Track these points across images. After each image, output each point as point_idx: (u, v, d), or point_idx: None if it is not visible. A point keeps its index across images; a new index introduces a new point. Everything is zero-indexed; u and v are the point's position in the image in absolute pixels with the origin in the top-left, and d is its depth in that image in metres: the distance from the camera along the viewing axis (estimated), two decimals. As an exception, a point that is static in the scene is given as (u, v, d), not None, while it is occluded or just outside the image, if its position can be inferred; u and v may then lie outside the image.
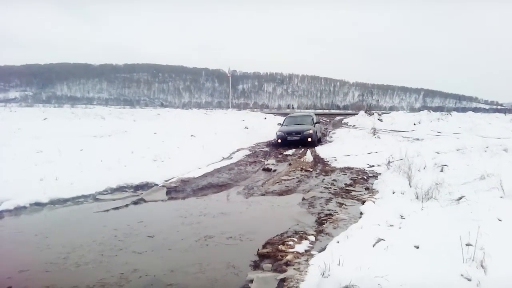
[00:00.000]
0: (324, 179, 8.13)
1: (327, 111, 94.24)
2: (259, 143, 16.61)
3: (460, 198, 4.82)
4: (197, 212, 5.59)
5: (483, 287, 2.65)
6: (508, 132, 17.34)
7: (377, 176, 8.01)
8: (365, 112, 38.23)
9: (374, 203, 5.62)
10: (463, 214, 4.11)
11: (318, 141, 15.72)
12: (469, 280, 2.71)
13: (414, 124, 25.88)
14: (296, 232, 4.52)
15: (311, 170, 9.32)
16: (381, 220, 4.48)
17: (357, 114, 39.54)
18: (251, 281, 3.20)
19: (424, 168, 7.29)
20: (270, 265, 3.55)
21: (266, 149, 14.48)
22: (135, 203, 6.23)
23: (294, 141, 14.86)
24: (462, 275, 2.76)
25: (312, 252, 3.84)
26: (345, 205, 5.88)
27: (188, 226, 4.94)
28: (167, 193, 6.93)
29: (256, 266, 3.58)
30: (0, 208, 5.59)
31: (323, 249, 3.80)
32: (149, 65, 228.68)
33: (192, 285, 3.26)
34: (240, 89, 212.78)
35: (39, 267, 3.64)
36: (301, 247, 3.97)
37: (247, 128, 21.42)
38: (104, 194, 6.70)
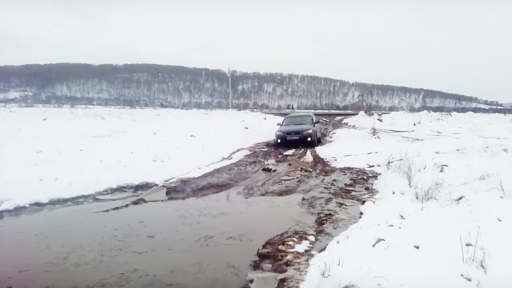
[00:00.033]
0: (324, 179, 8.13)
1: (327, 111, 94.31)
2: (259, 143, 16.61)
3: (460, 198, 4.82)
4: (197, 212, 5.59)
5: (483, 287, 2.65)
6: (508, 132, 17.35)
7: (377, 176, 8.02)
8: (365, 112, 38.25)
9: (374, 203, 5.62)
10: (463, 214, 4.11)
11: (318, 141, 15.72)
12: (469, 280, 2.71)
13: (414, 124, 25.90)
14: (296, 232, 4.52)
15: (311, 170, 9.32)
16: (381, 220, 4.48)
17: (357, 114, 39.56)
18: (251, 281, 3.20)
19: (424, 168, 7.29)
20: (270, 265, 3.55)
21: (266, 149, 14.48)
22: (135, 203, 6.23)
23: (293, 141, 14.85)
24: (462, 275, 2.76)
25: (312, 252, 3.84)
26: (345, 205, 5.88)
27: (188, 226, 4.94)
28: (167, 193, 6.93)
29: (256, 266, 3.58)
30: (0, 208, 5.59)
31: (323, 249, 3.80)
32: (149, 65, 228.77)
33: (192, 285, 3.26)
34: (240, 89, 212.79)
35: (39, 267, 3.64)
36: (301, 247, 3.97)
37: (247, 128, 21.43)
38: (104, 194, 6.70)
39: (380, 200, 5.76)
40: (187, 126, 20.80)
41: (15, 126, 17.83)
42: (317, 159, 11.26)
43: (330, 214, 5.30)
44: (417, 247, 3.39)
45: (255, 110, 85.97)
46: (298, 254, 3.77)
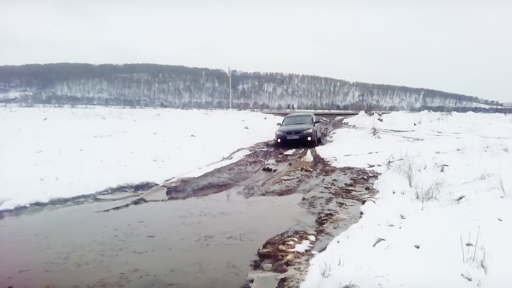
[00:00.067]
0: (324, 179, 8.13)
1: (327, 111, 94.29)
2: (259, 143, 16.61)
3: (460, 198, 4.82)
4: (197, 212, 5.59)
5: (483, 287, 2.65)
6: (508, 132, 17.33)
7: (377, 176, 8.01)
8: (365, 112, 38.24)
9: (374, 203, 5.62)
10: (464, 214, 4.11)
11: (318, 141, 15.70)
12: (470, 280, 2.71)
13: (414, 124, 25.89)
14: (296, 232, 4.52)
15: (311, 170, 9.32)
16: (381, 220, 4.48)
17: (357, 114, 39.56)
18: (252, 281, 3.20)
19: (424, 168, 7.29)
20: (271, 265, 3.55)
21: (266, 149, 14.49)
22: (136, 203, 6.23)
23: (293, 140, 14.82)
24: (462, 275, 2.76)
25: (313, 252, 3.83)
26: (346, 205, 5.88)
27: (189, 226, 4.94)
28: (168, 193, 6.94)
29: (256, 266, 3.58)
30: (0, 208, 5.60)
31: (323, 249, 3.80)
32: (149, 65, 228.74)
33: (192, 285, 3.26)
34: (240, 89, 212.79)
35: (39, 267, 3.64)
36: (302, 247, 3.97)
37: (247, 128, 21.43)
38: (104, 194, 6.71)
39: (381, 200, 5.76)
40: (187, 126, 20.82)
41: (16, 126, 17.85)
42: (318, 159, 11.26)
43: (330, 214, 5.30)
44: (418, 247, 3.39)
45: (255, 110, 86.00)
46: (298, 254, 3.77)
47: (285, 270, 3.37)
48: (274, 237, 4.34)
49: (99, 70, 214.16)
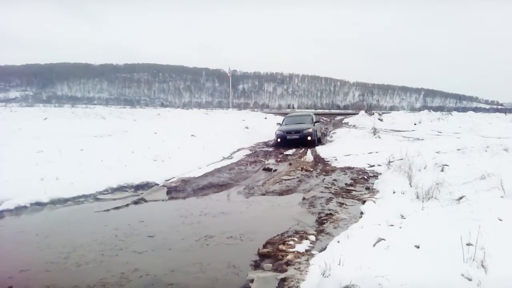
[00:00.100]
0: (324, 178, 8.13)
1: (327, 111, 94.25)
2: (259, 143, 16.62)
3: (461, 198, 4.81)
4: (197, 212, 5.60)
5: (483, 287, 2.65)
6: (509, 132, 17.33)
7: (377, 176, 8.01)
8: (366, 112, 38.28)
9: (374, 203, 5.62)
10: (464, 214, 4.11)
11: (318, 141, 15.69)
12: (470, 280, 2.71)
13: (415, 124, 25.90)
14: (296, 232, 4.52)
15: (311, 169, 9.33)
16: (381, 220, 4.48)
17: (357, 114, 39.59)
18: (252, 280, 3.21)
19: (425, 168, 7.29)
20: (271, 264, 3.55)
21: (266, 149, 14.49)
22: (136, 202, 6.23)
23: (293, 140, 14.81)
24: (462, 274, 2.76)
25: (313, 252, 3.84)
26: (346, 204, 5.88)
27: (189, 225, 4.94)
28: (168, 192, 6.94)
29: (256, 266, 3.58)
30: (0, 208, 5.60)
31: (323, 249, 3.80)
32: (150, 65, 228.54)
33: (192, 285, 3.26)
34: (241, 89, 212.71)
35: (39, 267, 3.65)
36: (302, 246, 3.98)
37: (247, 128, 21.44)
38: (105, 194, 6.71)
39: (381, 200, 5.76)
40: (187, 126, 20.81)
41: (16, 125, 17.86)
42: (318, 159, 11.26)
43: (330, 214, 5.30)
44: (418, 247, 3.39)
45: (255, 109, 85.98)
46: (298, 254, 3.77)
47: (285, 270, 3.37)
48: (274, 237, 4.34)
49: (99, 70, 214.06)
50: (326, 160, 10.99)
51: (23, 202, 5.82)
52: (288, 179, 8.07)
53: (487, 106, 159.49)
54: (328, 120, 41.11)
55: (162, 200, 6.48)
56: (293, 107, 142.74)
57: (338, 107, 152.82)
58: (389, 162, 8.26)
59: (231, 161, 11.01)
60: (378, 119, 29.41)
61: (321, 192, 6.81)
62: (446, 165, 7.17)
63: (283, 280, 3.19)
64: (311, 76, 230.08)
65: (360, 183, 7.60)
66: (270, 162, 10.71)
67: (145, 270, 3.51)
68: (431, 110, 40.63)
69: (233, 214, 5.56)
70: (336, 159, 10.85)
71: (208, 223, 5.03)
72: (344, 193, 6.68)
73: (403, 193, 5.76)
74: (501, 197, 4.68)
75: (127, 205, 6.06)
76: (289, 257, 3.65)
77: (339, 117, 46.62)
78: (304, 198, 6.35)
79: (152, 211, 5.93)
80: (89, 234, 4.60)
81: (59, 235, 4.63)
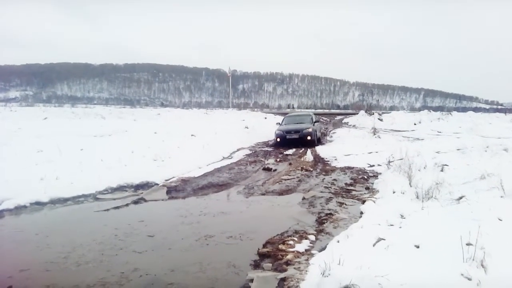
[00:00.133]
0: (324, 178, 8.13)
1: (327, 110, 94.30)
2: (259, 142, 16.62)
3: (461, 197, 4.81)
4: (197, 212, 5.60)
5: (483, 286, 2.65)
6: (509, 132, 17.34)
7: (377, 176, 8.01)
8: (366, 111, 38.29)
9: (374, 202, 5.62)
10: (464, 214, 4.11)
11: (318, 141, 15.68)
12: (470, 279, 2.71)
13: (415, 124, 25.92)
14: (296, 232, 4.52)
15: (311, 169, 9.33)
16: (381, 220, 4.48)
17: (357, 113, 39.61)
18: (252, 280, 3.21)
19: (425, 167, 7.29)
20: (271, 264, 3.55)
21: (266, 148, 14.49)
22: (136, 202, 6.23)
23: (293, 139, 14.79)
24: (462, 274, 2.76)
25: (313, 252, 3.84)
26: (346, 204, 5.88)
27: (188, 225, 4.94)
28: (168, 192, 6.94)
29: (256, 266, 3.58)
30: (0, 208, 5.60)
31: (323, 249, 3.80)
32: (149, 64, 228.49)
33: (192, 285, 3.26)
34: (240, 89, 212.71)
35: (39, 266, 3.64)
36: (302, 246, 3.97)
37: (247, 128, 21.44)
38: (105, 194, 6.71)
39: (381, 200, 5.76)
40: (187, 126, 20.80)
41: (16, 125, 17.84)
42: (318, 159, 11.26)
43: (330, 214, 5.30)
44: (418, 247, 3.39)
45: (255, 109, 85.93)
46: (298, 254, 3.77)
47: (285, 270, 3.37)
48: (274, 236, 4.34)
49: (99, 69, 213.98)
50: (326, 160, 10.99)
51: (23, 201, 5.82)
52: (288, 179, 8.07)
53: (487, 106, 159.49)
54: (328, 120, 41.12)
55: (162, 200, 6.48)
56: (293, 107, 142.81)
57: (338, 107, 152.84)
58: (389, 162, 8.26)
59: (231, 161, 11.01)
60: (378, 119, 29.42)
61: (321, 192, 6.81)
62: (446, 165, 7.17)
63: (283, 279, 3.19)
64: (311, 76, 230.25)
65: (360, 183, 7.60)
66: (270, 162, 10.71)
67: (145, 269, 3.51)
68: (431, 110, 40.67)
69: (233, 213, 5.56)
70: (336, 159, 10.85)
71: (208, 223, 5.03)
72: (344, 193, 6.68)
73: (403, 193, 5.76)
74: (501, 197, 4.68)
75: (127, 204, 6.06)
76: (289, 256, 3.65)
77: (339, 117, 46.65)
78: (304, 198, 6.34)
79: (152, 210, 5.93)
80: (89, 233, 4.60)
81: (59, 234, 4.63)
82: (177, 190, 7.15)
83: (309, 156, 11.71)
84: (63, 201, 6.15)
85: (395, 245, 3.46)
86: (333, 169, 9.30)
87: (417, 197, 5.29)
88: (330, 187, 7.17)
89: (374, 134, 16.50)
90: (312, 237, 4.30)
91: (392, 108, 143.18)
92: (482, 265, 2.83)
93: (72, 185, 6.71)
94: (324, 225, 4.81)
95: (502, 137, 13.19)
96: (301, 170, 9.16)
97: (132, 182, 7.35)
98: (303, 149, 13.84)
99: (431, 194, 5.17)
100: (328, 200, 6.18)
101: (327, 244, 3.94)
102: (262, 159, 11.29)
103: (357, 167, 9.36)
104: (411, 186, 5.99)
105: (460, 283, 2.71)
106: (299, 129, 15.17)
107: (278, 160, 11.15)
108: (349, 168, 9.37)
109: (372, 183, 7.36)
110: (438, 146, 10.50)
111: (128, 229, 4.76)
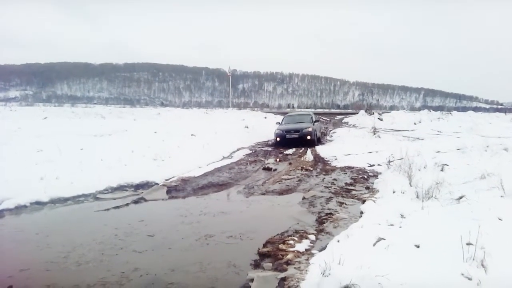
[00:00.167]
0: (324, 178, 8.13)
1: (327, 110, 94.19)
2: (259, 142, 16.62)
3: (461, 197, 4.81)
4: (197, 211, 5.60)
5: (483, 286, 2.65)
6: (509, 131, 17.34)
7: (377, 176, 8.01)
8: (366, 111, 38.25)
9: (374, 202, 5.62)
10: (464, 214, 4.11)
11: (317, 140, 15.67)
12: (470, 279, 2.71)
13: (415, 124, 25.92)
14: (296, 231, 4.53)
15: (311, 169, 9.32)
16: (381, 219, 4.48)
17: (357, 113, 39.55)
18: (252, 280, 3.21)
19: (425, 167, 7.29)
20: (271, 264, 3.55)
21: (266, 148, 14.49)
22: (136, 202, 6.23)
23: (293, 139, 14.76)
24: (462, 274, 2.76)
25: (313, 251, 3.84)
26: (346, 204, 5.88)
27: (189, 225, 4.94)
28: (168, 192, 6.94)
29: (256, 265, 3.58)
30: (0, 207, 5.60)
31: (323, 248, 3.80)
32: (149, 64, 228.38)
33: (192, 284, 3.26)
34: (240, 89, 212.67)
35: (39, 266, 3.65)
36: (302, 246, 3.97)
37: (247, 128, 21.43)
38: (105, 193, 6.71)
39: (381, 199, 5.76)
40: (187, 125, 20.80)
41: (16, 125, 17.82)
42: (318, 158, 11.26)
43: (330, 213, 5.30)
44: (418, 246, 3.39)
45: (255, 109, 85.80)
46: (298, 253, 3.77)
47: (285, 269, 3.37)
48: (274, 236, 4.34)
49: (99, 69, 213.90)
50: (326, 159, 10.99)
51: (23, 201, 5.82)
52: (288, 179, 8.07)
53: (487, 106, 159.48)
54: (328, 119, 41.10)
55: (162, 200, 6.48)
56: (293, 107, 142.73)
57: (338, 107, 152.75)
58: (389, 161, 8.26)
59: (231, 160, 11.01)
60: (378, 118, 29.40)
61: (321, 191, 6.81)
62: (446, 164, 7.18)
63: (283, 279, 3.19)
64: (311, 76, 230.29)
65: (360, 182, 7.60)
66: (270, 161, 10.71)
67: (145, 269, 3.51)
68: (431, 110, 40.64)
69: (233, 213, 5.56)
70: (336, 159, 10.85)
71: (208, 223, 5.03)
72: (344, 193, 6.68)
73: (403, 193, 5.76)
74: (501, 196, 4.68)
75: (127, 204, 6.06)
76: (289, 256, 3.65)
77: (339, 117, 46.62)
78: (304, 198, 6.34)
79: (152, 210, 5.93)
80: (89, 233, 4.60)
81: (59, 234, 4.63)
82: (177, 189, 7.15)
83: (309, 156, 11.71)
84: (63, 200, 6.15)
85: (395, 244, 3.46)
86: (333, 169, 9.30)
87: (417, 197, 5.29)
88: (330, 187, 7.17)
89: (374, 133, 16.51)
90: (312, 237, 4.30)
91: (392, 108, 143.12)
92: (482, 265, 2.83)
93: (72, 185, 6.71)
94: (324, 224, 4.81)
95: (502, 137, 13.19)
96: (301, 169, 9.16)
97: (132, 182, 7.35)
98: (303, 148, 13.84)
99: (431, 194, 5.17)
100: (328, 199, 6.18)
101: (327, 243, 3.94)
102: (262, 159, 11.29)
103: (357, 167, 9.36)
104: (411, 186, 5.99)
105: (460, 283, 2.71)
106: (299, 128, 15.15)
107: (278, 159, 11.15)
108: (349, 167, 9.37)
109: (372, 183, 7.36)
110: (438, 146, 10.50)
111: (128, 228, 4.76)
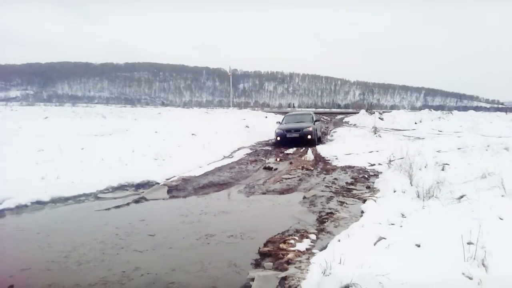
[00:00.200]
0: (325, 177, 8.12)
1: (328, 110, 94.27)
2: (260, 142, 16.61)
3: (461, 196, 4.81)
4: (198, 211, 5.60)
5: (484, 285, 2.65)
6: (509, 130, 17.33)
7: (378, 175, 8.01)
8: (366, 111, 38.26)
9: (375, 201, 5.62)
10: (464, 213, 4.11)
11: (318, 140, 15.66)
12: (471, 278, 2.70)
13: (415, 123, 25.91)
14: (297, 231, 4.53)
15: (312, 168, 9.32)
16: (382, 219, 4.48)
17: (358, 113, 39.55)
18: (253, 279, 3.21)
19: (425, 166, 7.29)
20: (271, 263, 3.55)
21: (267, 148, 14.48)
22: (136, 201, 6.24)
23: (293, 138, 14.74)
24: (463, 273, 2.76)
25: (313, 251, 3.84)
26: (346, 203, 5.88)
27: (189, 224, 4.94)
28: (168, 191, 6.94)
29: (257, 265, 3.58)
30: (1, 207, 5.60)
31: (324, 248, 3.80)
32: (150, 64, 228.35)
33: (193, 284, 3.26)
34: (241, 88, 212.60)
35: (40, 266, 3.65)
36: (302, 245, 3.98)
37: (248, 127, 21.43)
38: (105, 193, 6.71)
39: (381, 199, 5.76)
40: (188, 125, 20.80)
41: (17, 124, 17.83)
42: (318, 158, 11.25)
43: (331, 213, 5.30)
44: (419, 246, 3.38)
45: (256, 108, 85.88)
46: (299, 253, 3.77)
47: (286, 269, 3.37)
48: (275, 235, 4.34)
49: (99, 69, 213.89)
50: (326, 159, 10.98)
51: (24, 201, 5.83)
52: (289, 178, 8.07)
53: (488, 105, 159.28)
54: (329, 119, 41.07)
55: (163, 199, 6.49)
56: (294, 106, 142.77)
57: (339, 106, 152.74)
58: (390, 161, 8.25)
59: (232, 160, 11.01)
60: (379, 118, 29.38)
61: (322, 191, 6.81)
62: (446, 164, 7.17)
63: (284, 278, 3.19)
64: (311, 75, 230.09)
65: (360, 182, 7.59)
66: (271, 161, 10.71)
67: (146, 268, 3.51)
68: (432, 109, 40.65)
69: (233, 213, 5.56)
70: (336, 158, 10.85)
71: (208, 222, 5.03)
72: (344, 192, 6.68)
73: (404, 192, 5.76)
74: (502, 196, 4.68)
75: (127, 204, 6.07)
76: (290, 256, 3.65)
77: (339, 116, 46.57)
78: (304, 197, 6.34)
79: (152, 210, 5.93)
80: (89, 233, 4.60)
81: (60, 234, 4.64)
82: (178, 189, 7.15)
83: (309, 155, 11.69)
84: (64, 200, 6.16)
85: (396, 244, 3.46)
86: (334, 168, 9.29)
87: (418, 196, 5.29)
88: (331, 186, 7.17)
89: (375, 133, 16.50)
90: (313, 236, 4.30)
91: (392, 107, 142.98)
92: (483, 264, 2.83)
93: (73, 184, 6.71)
94: (325, 224, 4.81)
95: (503, 136, 13.19)
96: (302, 169, 9.16)
97: (133, 181, 7.36)
98: (303, 148, 13.83)
99: (432, 193, 5.17)
100: (329, 199, 6.18)
101: (328, 243, 3.94)
102: (263, 158, 11.29)
103: (358, 166, 9.35)
104: (412, 185, 5.99)
105: (461, 282, 2.70)
106: (299, 128, 15.14)
107: (278, 159, 11.15)
108: (350, 167, 9.36)
109: (373, 182, 7.36)
110: (439, 145, 10.49)
111: (129, 228, 4.76)
